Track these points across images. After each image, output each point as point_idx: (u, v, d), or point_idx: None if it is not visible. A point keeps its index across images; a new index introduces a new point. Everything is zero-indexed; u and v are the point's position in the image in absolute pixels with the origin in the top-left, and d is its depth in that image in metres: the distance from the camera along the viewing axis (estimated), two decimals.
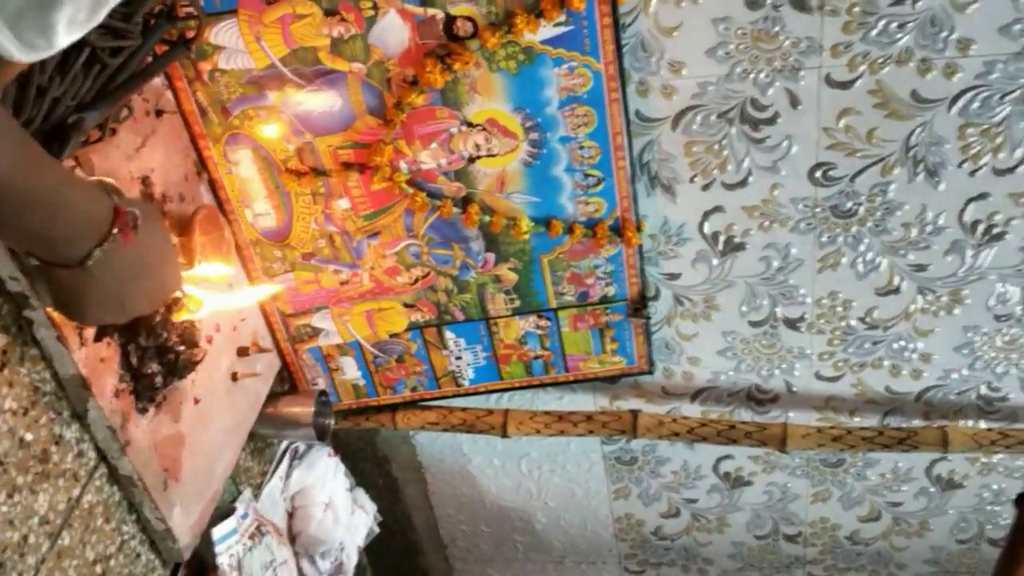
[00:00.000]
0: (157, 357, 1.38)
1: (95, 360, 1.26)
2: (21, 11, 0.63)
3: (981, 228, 1.67)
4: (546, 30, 1.45)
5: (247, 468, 1.80)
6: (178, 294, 1.33)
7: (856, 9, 1.46)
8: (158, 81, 1.45)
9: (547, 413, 1.98)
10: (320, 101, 1.53)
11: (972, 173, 1.61)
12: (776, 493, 2.19)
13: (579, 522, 2.35)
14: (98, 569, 1.34)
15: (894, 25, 1.47)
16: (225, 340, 1.60)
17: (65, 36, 0.68)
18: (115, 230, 0.88)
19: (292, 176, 1.61)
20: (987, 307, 1.78)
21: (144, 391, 1.36)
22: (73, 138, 1.11)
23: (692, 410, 2.02)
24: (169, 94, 1.50)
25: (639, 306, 1.81)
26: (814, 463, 2.12)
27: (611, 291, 1.79)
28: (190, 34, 1.29)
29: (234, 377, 1.62)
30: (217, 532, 1.59)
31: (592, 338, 1.87)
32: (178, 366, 1.42)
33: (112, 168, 1.31)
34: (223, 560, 1.58)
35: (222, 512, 1.64)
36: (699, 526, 2.30)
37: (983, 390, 1.90)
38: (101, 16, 0.71)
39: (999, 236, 1.68)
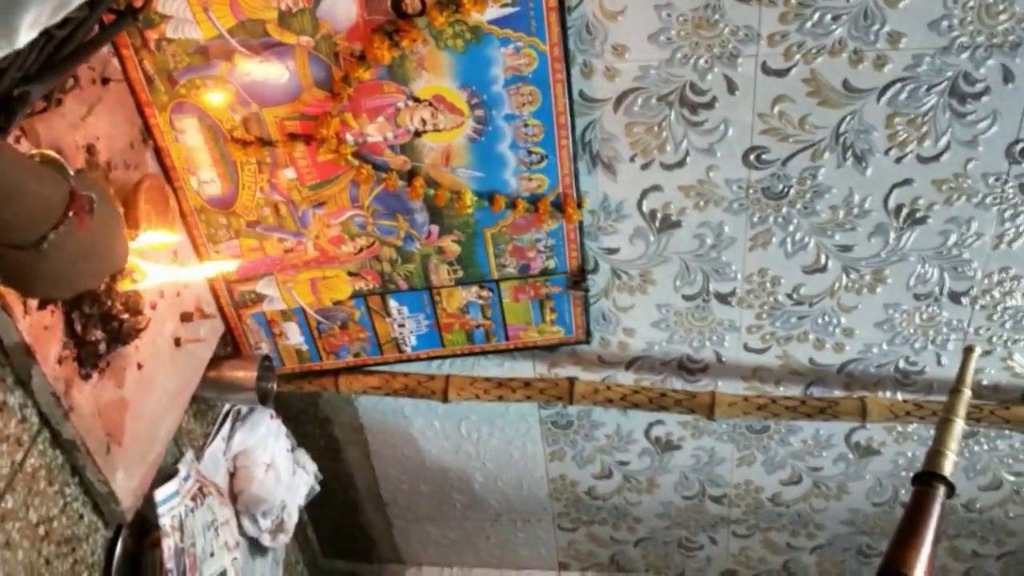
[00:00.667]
0: (101, 324, 1.39)
1: (39, 328, 1.28)
2: None
3: (904, 212, 1.75)
4: (493, 10, 1.48)
5: (190, 430, 1.83)
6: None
7: (793, 1, 1.51)
8: (104, 49, 1.45)
9: (487, 379, 2.04)
10: (267, 72, 1.54)
11: (898, 160, 1.68)
12: (703, 457, 2.28)
13: (515, 482, 2.42)
14: (41, 531, 1.37)
15: (829, 17, 1.52)
16: (169, 306, 1.62)
17: (26, 36, 0.70)
18: (70, 214, 0.89)
19: (238, 145, 1.62)
20: (908, 286, 1.86)
21: (88, 358, 1.38)
22: (19, 111, 1.11)
23: (626, 378, 2.09)
24: (115, 62, 1.49)
25: (578, 279, 1.86)
26: (740, 429, 2.21)
27: (551, 264, 1.84)
28: (138, 3, 1.29)
29: (178, 342, 1.64)
30: (159, 494, 1.62)
31: (532, 309, 1.92)
32: (122, 333, 1.44)
33: (58, 137, 1.31)
34: (165, 521, 1.61)
35: (164, 474, 1.67)
36: (630, 487, 2.39)
37: (901, 364, 2.00)
38: (61, 16, 0.72)
39: (921, 220, 1.76)
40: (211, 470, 1.86)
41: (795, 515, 2.40)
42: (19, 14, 0.67)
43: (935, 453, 1.34)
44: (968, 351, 1.53)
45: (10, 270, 0.94)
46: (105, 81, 1.45)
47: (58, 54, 1.17)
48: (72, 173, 0.98)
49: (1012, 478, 2.22)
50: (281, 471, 2.02)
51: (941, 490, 1.29)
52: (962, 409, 1.41)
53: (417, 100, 1.59)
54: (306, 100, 1.57)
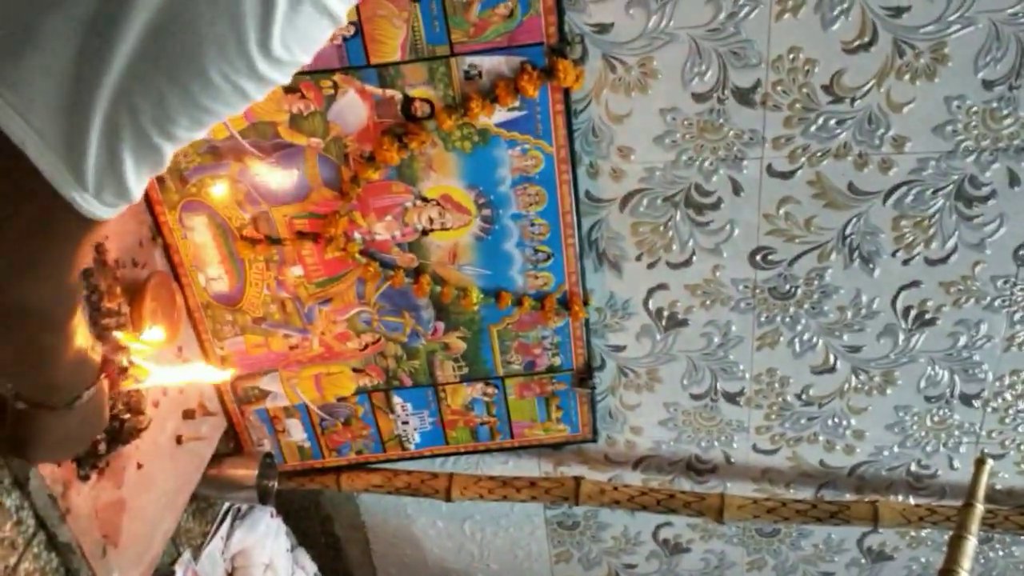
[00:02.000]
0: None
1: None
2: (100, 182, 0.67)
3: (913, 314, 1.74)
4: (500, 113, 1.50)
5: (188, 529, 1.79)
6: (125, 363, 1.34)
7: (797, 105, 1.53)
8: None
9: (491, 478, 2.00)
10: (277, 173, 1.56)
11: (905, 262, 1.68)
12: (713, 560, 2.23)
13: None
14: None
15: (833, 121, 1.54)
16: (172, 403, 1.60)
17: (139, 188, 0.72)
18: (103, 375, 0.90)
19: (247, 243, 1.63)
20: (918, 388, 1.84)
21: (87, 458, 1.35)
22: None
23: (633, 478, 2.06)
24: None
25: (584, 376, 1.85)
26: (750, 532, 2.16)
27: (557, 361, 1.83)
28: None
29: (179, 440, 1.62)
30: None
31: (538, 406, 1.90)
32: (123, 433, 1.41)
33: None
34: None
35: (161, 575, 1.63)
36: None
37: (913, 467, 1.97)
38: (167, 161, 0.74)
39: (930, 322, 1.75)
40: (208, 571, 1.82)
41: None
42: (125, 174, 0.69)
43: (947, 572, 1.30)
44: (980, 463, 1.51)
45: (27, 432, 0.92)
46: None
47: None
48: None
49: None
50: (280, 572, 1.98)
51: None
52: (974, 525, 1.38)
53: (425, 200, 1.60)
54: (315, 199, 1.59)
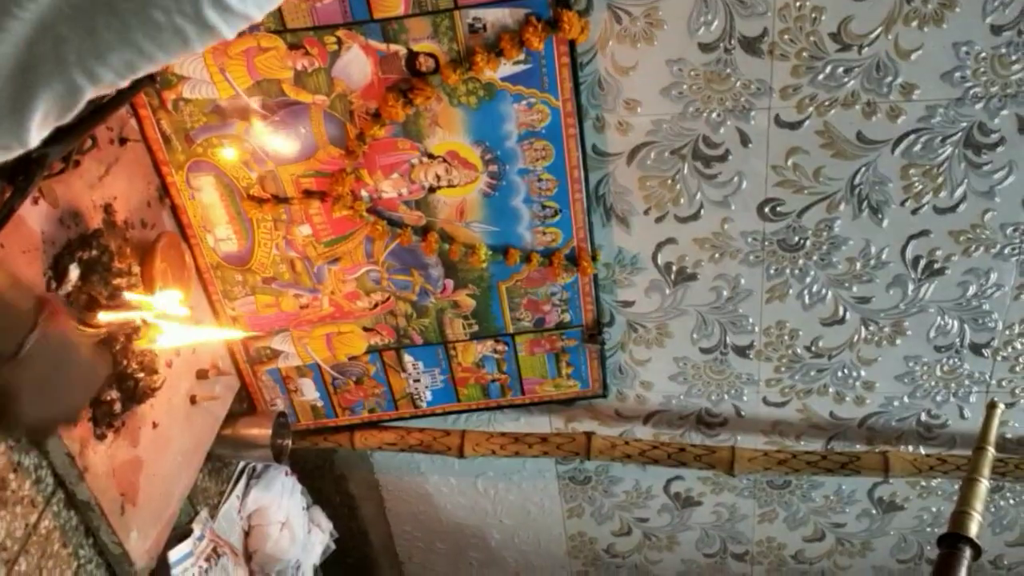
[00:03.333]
0: (116, 384, 1.39)
1: None
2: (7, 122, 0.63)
3: (922, 263, 1.74)
4: (506, 67, 1.50)
5: (204, 488, 1.81)
6: (138, 322, 1.35)
7: (805, 54, 1.51)
8: (122, 110, 1.47)
9: (503, 434, 2.02)
10: (283, 131, 1.55)
11: (914, 211, 1.67)
12: (724, 513, 2.25)
13: (533, 539, 2.38)
14: None
15: (841, 70, 1.53)
16: (184, 363, 1.62)
17: (38, 135, 0.67)
18: (43, 315, 0.82)
19: (254, 203, 1.63)
20: (928, 338, 1.84)
21: (103, 418, 1.37)
22: (38, 173, 1.13)
23: (644, 432, 2.07)
24: (133, 122, 1.51)
25: (594, 332, 1.85)
26: (761, 484, 2.17)
27: (567, 317, 1.83)
28: None
29: (193, 400, 1.63)
30: (173, 554, 1.60)
31: (548, 362, 1.91)
32: (137, 393, 1.43)
33: (75, 197, 1.33)
34: None
35: (179, 533, 1.66)
36: (650, 544, 2.35)
37: (923, 417, 1.97)
38: (75, 112, 0.69)
39: (940, 271, 1.74)
40: (225, 529, 1.84)
41: (819, 573, 2.35)
42: (27, 116, 0.64)
43: (960, 514, 1.31)
44: (991, 407, 1.51)
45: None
46: (123, 141, 1.47)
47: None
48: None
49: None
50: (296, 530, 2.00)
51: (967, 552, 1.27)
52: (986, 468, 1.38)
53: (431, 156, 1.60)
54: (321, 158, 1.58)
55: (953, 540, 1.28)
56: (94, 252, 1.33)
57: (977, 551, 1.27)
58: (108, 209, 1.42)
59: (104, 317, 1.25)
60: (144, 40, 0.62)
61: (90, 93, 0.66)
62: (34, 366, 0.82)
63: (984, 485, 1.35)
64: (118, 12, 0.60)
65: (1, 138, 0.65)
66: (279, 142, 1.56)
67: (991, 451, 1.41)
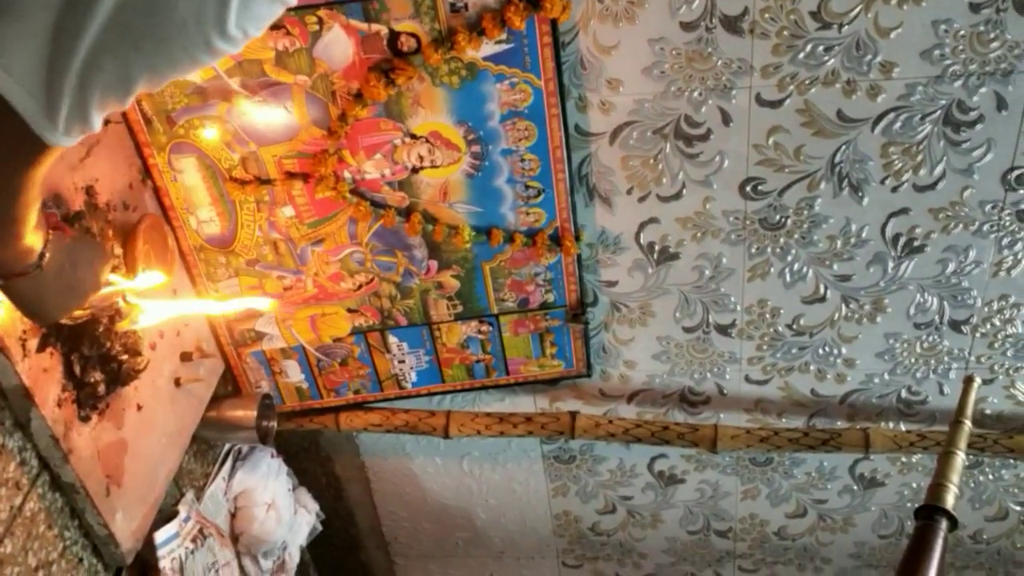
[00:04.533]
0: (100, 366, 1.39)
1: (38, 370, 1.28)
2: (70, 124, 0.78)
3: (902, 241, 1.75)
4: (488, 47, 1.49)
5: (190, 470, 1.82)
6: (120, 304, 1.35)
7: (785, 32, 1.52)
8: None
9: (488, 415, 2.03)
10: (265, 112, 1.55)
11: (894, 189, 1.69)
12: (707, 491, 2.27)
13: (518, 519, 2.40)
14: (40, 575, 1.35)
15: (821, 48, 1.53)
16: (169, 345, 1.62)
17: (100, 121, 0.81)
18: (49, 234, 1.00)
19: (236, 184, 1.62)
20: (907, 315, 1.86)
21: (87, 400, 1.37)
22: None
23: (628, 411, 2.09)
24: None
25: (577, 312, 1.86)
26: (743, 462, 2.19)
27: (551, 297, 1.84)
28: None
29: (177, 382, 1.63)
30: (159, 536, 1.61)
31: (532, 342, 1.92)
32: (121, 374, 1.43)
33: (57, 179, 1.32)
34: (165, 563, 1.60)
35: (165, 515, 1.66)
36: (634, 522, 2.37)
37: (903, 394, 1.99)
38: (130, 102, 0.82)
39: (919, 249, 1.76)
40: (212, 511, 1.85)
41: (801, 548, 2.38)
42: (93, 107, 0.79)
43: (936, 486, 1.33)
44: (968, 381, 1.53)
45: (28, 299, 1.05)
46: (104, 122, 1.46)
47: None
48: None
49: (1018, 508, 2.20)
50: (282, 511, 2.01)
51: (944, 523, 1.28)
52: (963, 441, 1.40)
53: (414, 137, 1.60)
54: (304, 138, 1.58)
55: (929, 512, 1.30)
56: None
57: (953, 522, 1.29)
58: (90, 191, 1.41)
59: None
60: (167, 68, 0.78)
61: (133, 97, 0.81)
62: (52, 273, 1.03)
63: (960, 458, 1.37)
64: (143, 51, 0.76)
65: (74, 132, 0.80)
66: (261, 123, 1.56)
67: (968, 425, 1.43)
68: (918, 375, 1.96)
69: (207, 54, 0.78)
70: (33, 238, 0.97)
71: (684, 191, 1.72)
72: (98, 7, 0.73)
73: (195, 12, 0.74)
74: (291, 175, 1.63)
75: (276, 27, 1.46)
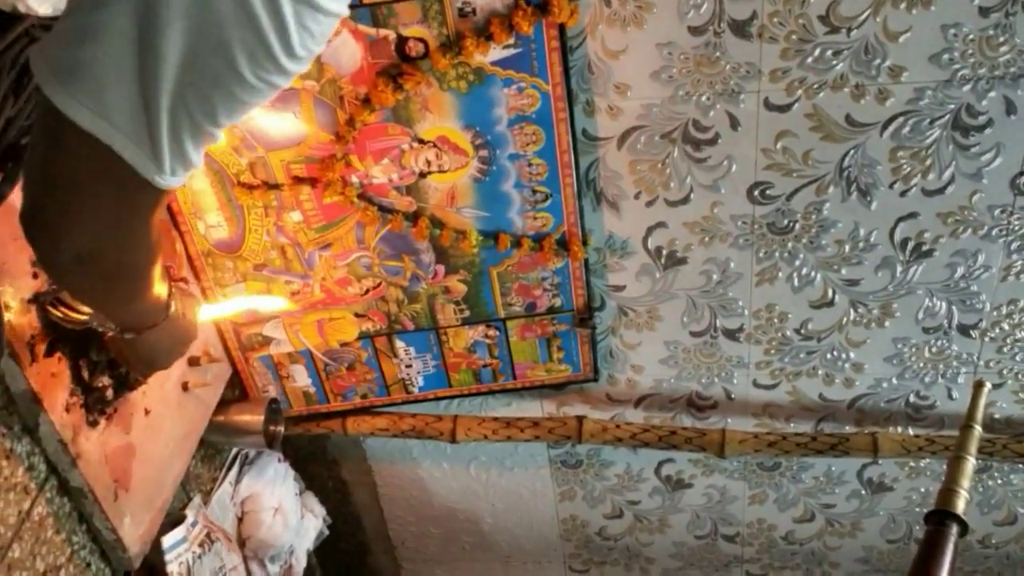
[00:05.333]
0: (108, 371, 1.39)
1: (46, 375, 1.28)
2: (174, 164, 0.80)
3: (911, 245, 1.75)
4: (496, 52, 1.49)
5: (197, 475, 1.82)
6: None
7: (794, 37, 1.52)
8: None
9: (495, 419, 2.03)
10: (273, 117, 1.55)
11: (902, 194, 1.68)
12: (715, 495, 2.26)
13: (525, 523, 2.39)
14: None
15: (829, 52, 1.53)
16: None
17: (200, 159, 0.84)
18: (173, 296, 1.11)
19: (244, 189, 1.63)
20: (916, 320, 1.86)
21: (95, 404, 1.37)
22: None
23: (635, 416, 2.08)
24: None
25: (585, 316, 1.86)
26: (751, 466, 2.19)
27: (558, 302, 1.84)
28: None
29: (185, 387, 1.63)
30: (167, 540, 1.61)
31: (539, 347, 1.92)
32: (129, 379, 1.43)
33: None
34: (173, 568, 1.60)
35: (172, 520, 1.66)
36: (641, 527, 2.37)
37: (912, 398, 1.99)
38: (220, 137, 0.84)
39: (928, 253, 1.75)
40: (219, 515, 1.85)
41: (809, 553, 2.37)
42: (189, 147, 0.81)
43: (947, 491, 1.32)
44: (978, 386, 1.52)
45: (151, 350, 1.15)
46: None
47: None
48: None
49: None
50: (289, 515, 2.01)
51: (954, 529, 1.28)
52: (973, 446, 1.39)
53: (422, 141, 1.60)
54: (311, 143, 1.58)
55: (940, 517, 1.29)
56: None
57: (964, 527, 1.28)
58: None
59: None
60: (248, 96, 0.80)
61: (222, 130, 0.84)
62: (174, 324, 1.13)
63: (971, 463, 1.36)
64: (222, 86, 0.78)
65: (179, 172, 0.82)
66: (269, 128, 1.56)
67: (978, 429, 1.43)
68: (926, 380, 1.95)
69: (281, 76, 0.80)
70: (161, 288, 1.02)
71: (692, 195, 1.72)
72: (165, 44, 0.75)
73: (261, 43, 0.76)
74: (299, 180, 1.63)
75: None
